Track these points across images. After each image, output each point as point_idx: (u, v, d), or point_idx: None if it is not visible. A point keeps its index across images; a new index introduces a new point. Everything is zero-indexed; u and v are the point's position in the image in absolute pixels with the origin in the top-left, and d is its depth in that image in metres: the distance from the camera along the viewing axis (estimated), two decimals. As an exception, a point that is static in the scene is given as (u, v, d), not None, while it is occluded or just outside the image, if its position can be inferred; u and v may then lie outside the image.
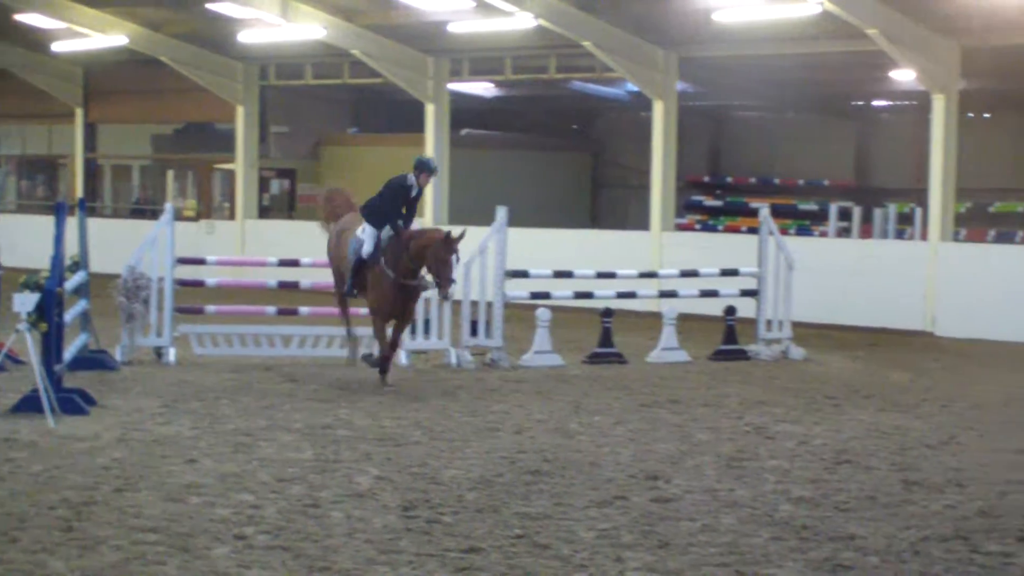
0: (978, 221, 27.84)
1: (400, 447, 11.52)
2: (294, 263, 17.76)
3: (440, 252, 14.32)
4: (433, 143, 26.47)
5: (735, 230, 28.45)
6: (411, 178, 14.86)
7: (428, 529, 8.82)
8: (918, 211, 24.15)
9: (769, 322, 17.93)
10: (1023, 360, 18.06)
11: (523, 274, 17.19)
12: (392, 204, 14.84)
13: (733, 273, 18.33)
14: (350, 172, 31.19)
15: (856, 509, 9.53)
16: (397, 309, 14.77)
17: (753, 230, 19.35)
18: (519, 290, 17.53)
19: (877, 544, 8.59)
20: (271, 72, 29.61)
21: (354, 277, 14.98)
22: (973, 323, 20.02)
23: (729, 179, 31.95)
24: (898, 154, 29.77)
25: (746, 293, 18.11)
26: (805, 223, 29.13)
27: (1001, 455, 11.51)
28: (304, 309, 17.37)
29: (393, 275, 14.54)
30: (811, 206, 29.54)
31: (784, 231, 21.96)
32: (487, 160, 30.36)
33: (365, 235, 14.85)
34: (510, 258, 16.97)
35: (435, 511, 9.27)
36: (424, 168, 14.90)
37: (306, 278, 18.00)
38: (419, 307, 15.92)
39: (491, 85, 30.47)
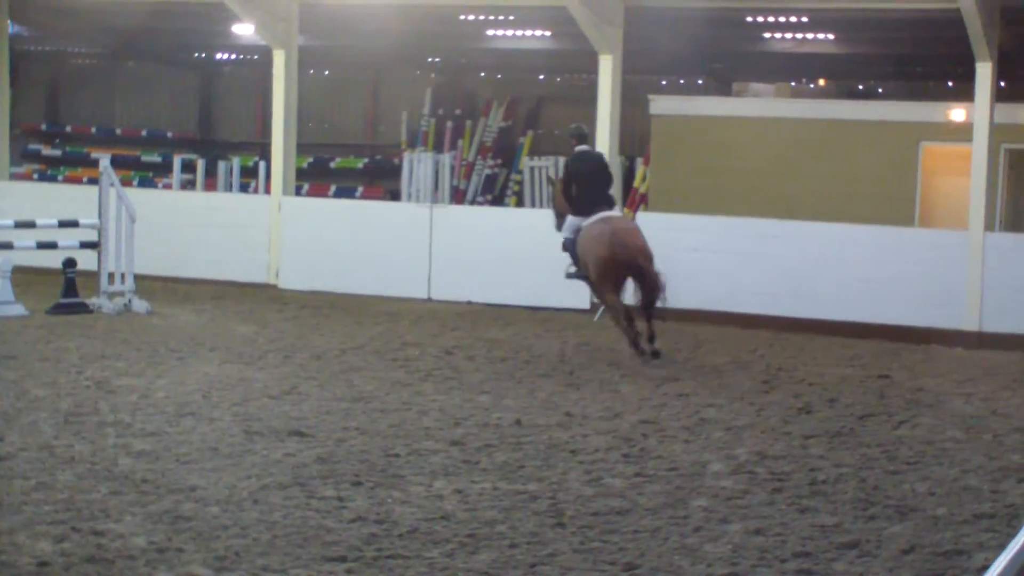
0: (321, 176, 28.59)
1: None
2: None
3: None
4: None
5: (76, 181, 27.72)
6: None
7: None
8: (262, 165, 24.47)
9: (112, 275, 17.64)
10: (362, 311, 18.72)
11: None
12: None
13: (73, 224, 17.84)
14: None
15: (198, 460, 9.54)
16: None
17: (94, 181, 18.93)
18: None
19: (218, 494, 8.62)
20: None
21: None
22: (315, 275, 20.53)
23: (68, 128, 31.04)
24: (242, 108, 30.05)
25: (87, 245, 17.70)
26: (148, 175, 28.83)
27: (339, 403, 11.87)
28: None
29: None
30: (155, 158, 29.27)
31: (127, 183, 21.65)
32: None
33: None
34: None
35: None
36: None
37: None
38: None
39: None
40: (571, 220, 15.54)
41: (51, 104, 31.71)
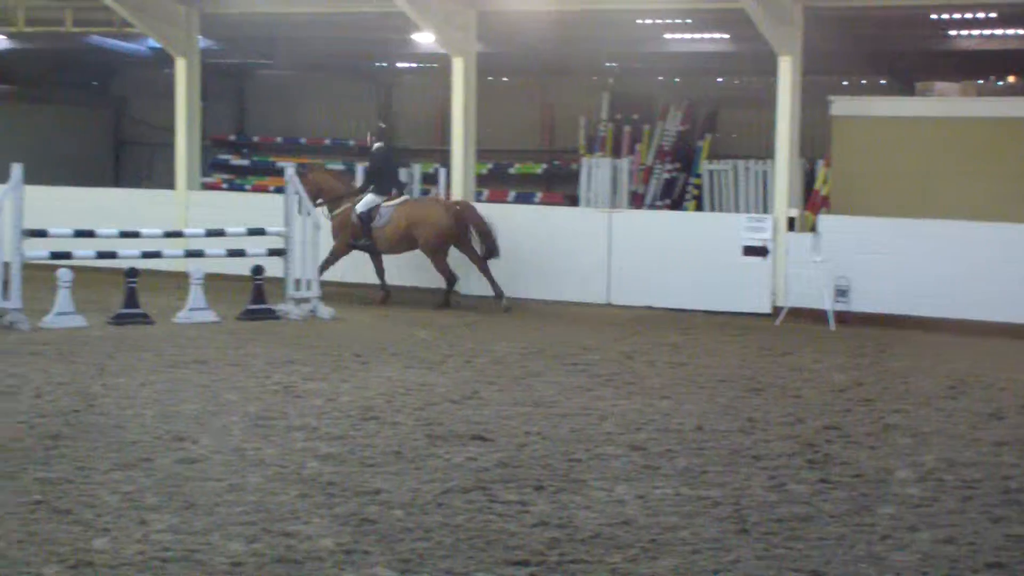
0: (499, 182, 28.77)
1: (-93, 416, 10.89)
2: None
3: None
4: (-58, 95, 25.06)
5: (263, 189, 28.33)
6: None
7: (-63, 500, 8.38)
8: (442, 171, 24.72)
9: (298, 281, 17.99)
10: (541, 316, 18.81)
11: (42, 233, 16.57)
12: None
13: (260, 232, 18.28)
14: None
15: (382, 464, 9.68)
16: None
17: (281, 189, 19.34)
18: (38, 249, 16.86)
19: (402, 497, 8.75)
20: None
21: None
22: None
23: (256, 138, 31.75)
24: (422, 115, 30.37)
25: (274, 252, 18.09)
26: (332, 183, 29.25)
27: (520, 408, 11.94)
28: None
29: None
30: (338, 166, 29.72)
31: (311, 191, 21.99)
32: (2, 115, 29.05)
33: None
34: (28, 216, 16.30)
35: (-54, 482, 8.83)
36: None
37: None
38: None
39: (3, 37, 29.07)
40: (370, 198, 19.74)
41: (239, 116, 32.47)
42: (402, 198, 20.01)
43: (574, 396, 12.60)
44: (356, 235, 19.85)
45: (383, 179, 20.05)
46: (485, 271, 19.69)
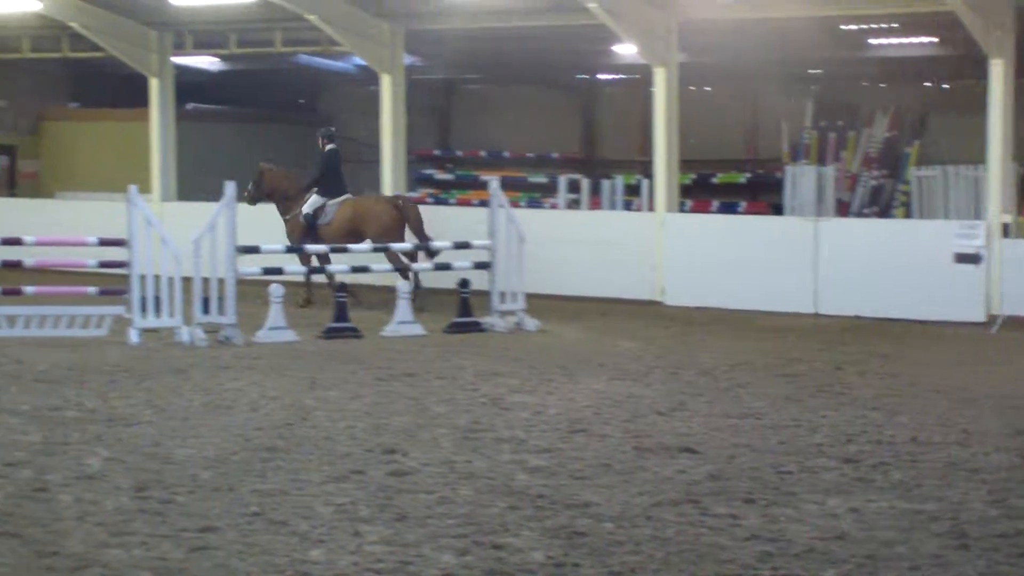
0: (703, 192, 28.59)
1: (131, 427, 11.25)
2: (16, 242, 17.30)
3: None
4: (159, 117, 25.84)
5: (467, 203, 28.58)
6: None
7: (161, 510, 8.63)
8: (644, 182, 24.65)
9: (503, 294, 18.11)
10: (747, 327, 18.62)
11: (254, 250, 17.00)
12: None
13: (466, 246, 18.47)
14: (72, 148, 30.39)
15: (591, 477, 9.68)
16: None
17: (485, 203, 19.51)
18: (251, 266, 17.30)
19: (612, 510, 8.73)
20: (-16, 45, 28.40)
21: None
22: (700, 291, 20.53)
23: (459, 152, 32.07)
24: (623, 127, 30.34)
25: (479, 266, 18.26)
26: (535, 195, 29.44)
27: (728, 420, 11.83)
28: (29, 289, 16.87)
29: None
30: (541, 178, 29.87)
31: (515, 204, 22.18)
32: (215, 135, 29.85)
33: None
34: (240, 233, 16.72)
35: (168, 491, 9.09)
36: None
37: (30, 256, 17.47)
38: (149, 283, 16.05)
39: (216, 59, 29.92)
40: (316, 199, 20.37)
41: (443, 130, 32.86)
42: (343, 196, 20.46)
43: (783, 407, 12.44)
44: (304, 235, 20.14)
45: (331, 181, 20.50)
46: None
